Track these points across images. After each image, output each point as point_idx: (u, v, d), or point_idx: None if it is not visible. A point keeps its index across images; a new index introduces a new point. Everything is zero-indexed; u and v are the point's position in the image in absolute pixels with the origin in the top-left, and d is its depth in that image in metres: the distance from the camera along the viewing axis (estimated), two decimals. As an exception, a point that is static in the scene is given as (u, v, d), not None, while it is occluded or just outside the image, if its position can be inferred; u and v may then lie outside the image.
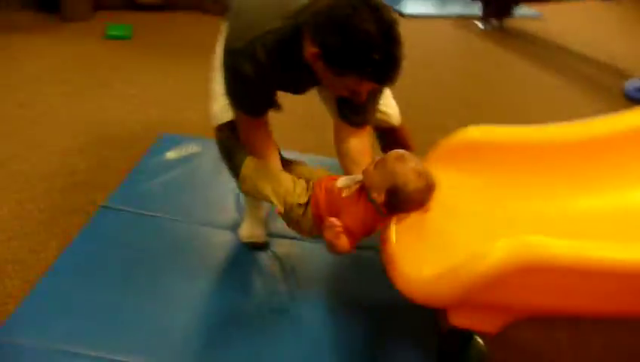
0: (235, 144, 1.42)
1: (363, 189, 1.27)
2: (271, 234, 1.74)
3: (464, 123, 1.59)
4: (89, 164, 2.04)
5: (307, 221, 1.34)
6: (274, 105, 1.38)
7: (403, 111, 1.75)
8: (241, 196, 1.80)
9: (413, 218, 1.36)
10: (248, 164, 1.37)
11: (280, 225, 1.78)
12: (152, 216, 1.77)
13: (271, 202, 1.35)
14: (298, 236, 1.72)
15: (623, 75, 3.50)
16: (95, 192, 1.87)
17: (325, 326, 1.46)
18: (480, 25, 4.28)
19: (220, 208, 1.84)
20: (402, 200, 1.24)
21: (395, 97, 1.72)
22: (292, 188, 1.35)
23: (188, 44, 3.23)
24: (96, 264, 1.58)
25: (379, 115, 1.70)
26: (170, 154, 2.09)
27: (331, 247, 1.26)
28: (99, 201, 1.81)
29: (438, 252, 1.23)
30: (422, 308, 1.22)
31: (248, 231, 1.70)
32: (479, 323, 1.18)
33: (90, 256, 1.60)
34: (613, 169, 1.43)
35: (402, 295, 1.19)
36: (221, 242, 1.71)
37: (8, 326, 1.36)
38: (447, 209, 1.40)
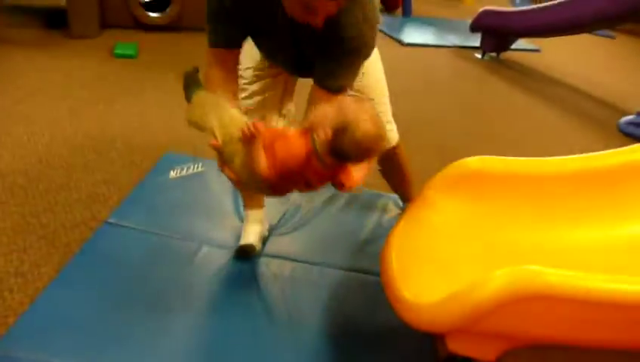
0: (198, 78, 1.39)
1: (310, 131, 1.16)
2: (273, 256, 1.76)
3: (462, 150, 1.63)
4: (93, 179, 2.06)
5: (241, 160, 1.21)
6: (243, 40, 1.40)
7: (402, 135, 1.79)
8: (243, 213, 1.83)
9: (414, 244, 1.39)
10: (200, 94, 1.34)
11: (282, 247, 1.81)
12: (154, 233, 1.79)
13: (212, 133, 1.25)
14: (300, 258, 1.76)
15: (617, 109, 3.59)
16: (98, 208, 1.89)
17: (322, 349, 1.46)
18: (478, 56, 4.38)
19: (221, 227, 1.86)
20: (349, 143, 1.11)
21: (395, 121, 1.76)
22: (238, 119, 1.24)
23: (193, 64, 3.28)
24: (97, 279, 1.58)
25: None
26: (174, 173, 2.12)
27: (250, 163, 1.17)
28: (101, 217, 1.83)
29: (438, 279, 1.26)
30: (420, 334, 1.24)
31: (242, 237, 1.74)
32: (477, 351, 1.20)
33: (91, 272, 1.61)
34: (612, 202, 1.48)
35: (401, 321, 1.21)
36: (222, 261, 1.72)
37: (7, 340, 1.36)
38: (448, 236, 1.43)
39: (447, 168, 1.54)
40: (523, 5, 5.19)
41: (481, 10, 4.31)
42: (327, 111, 1.15)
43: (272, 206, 1.88)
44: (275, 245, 1.81)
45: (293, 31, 1.28)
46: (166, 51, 3.53)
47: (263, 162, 1.14)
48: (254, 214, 1.79)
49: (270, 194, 1.39)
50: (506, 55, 4.44)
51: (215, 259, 1.72)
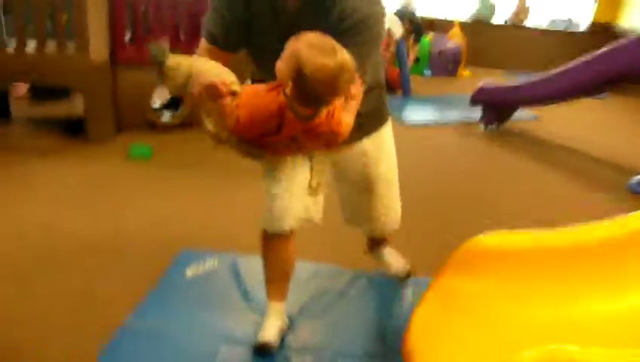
0: (167, 51, 1.31)
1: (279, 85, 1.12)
2: (294, 349, 1.73)
3: (471, 225, 1.63)
4: (109, 282, 2.07)
5: (226, 122, 1.16)
6: (238, 44, 1.38)
7: (408, 212, 1.82)
8: (262, 307, 1.81)
9: (436, 328, 1.36)
10: (172, 58, 1.25)
11: (304, 338, 1.77)
12: (172, 334, 1.77)
13: (192, 89, 1.20)
14: (321, 349, 1.72)
15: (621, 168, 3.62)
16: (116, 310, 1.88)
17: None
18: (481, 127, 4.49)
19: (240, 324, 1.84)
20: (312, 83, 1.04)
21: (401, 199, 1.81)
22: (225, 75, 1.19)
23: (205, 162, 3.40)
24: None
25: (376, 223, 1.81)
26: (191, 271, 2.13)
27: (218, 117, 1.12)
28: (119, 320, 1.82)
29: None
30: None
31: (262, 331, 1.71)
32: None
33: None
34: (634, 270, 1.44)
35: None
36: (242, 359, 1.68)
37: None
38: (469, 317, 1.40)
39: (461, 247, 1.54)
40: (516, 78, 5.39)
41: (479, 84, 4.49)
42: (280, 65, 1.09)
43: (293, 294, 1.86)
44: (297, 336, 1.78)
45: (295, 18, 1.26)
46: (179, 149, 3.67)
47: (230, 116, 1.11)
48: (276, 307, 1.76)
49: (261, 156, 1.29)
50: (507, 125, 4.55)
51: (235, 357, 1.69)
